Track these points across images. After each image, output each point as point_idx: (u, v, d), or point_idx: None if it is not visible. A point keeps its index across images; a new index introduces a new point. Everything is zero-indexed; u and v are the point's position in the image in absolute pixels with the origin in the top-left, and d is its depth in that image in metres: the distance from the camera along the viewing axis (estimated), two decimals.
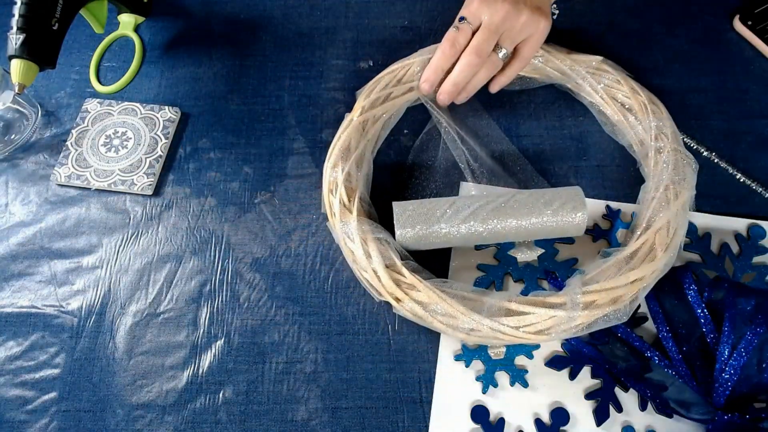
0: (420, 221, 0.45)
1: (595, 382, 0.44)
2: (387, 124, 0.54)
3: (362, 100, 0.52)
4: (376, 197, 0.52)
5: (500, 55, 0.48)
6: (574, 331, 0.41)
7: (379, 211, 0.51)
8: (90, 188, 0.54)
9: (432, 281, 0.44)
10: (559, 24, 0.62)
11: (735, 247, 0.49)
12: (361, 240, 0.44)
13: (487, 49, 0.47)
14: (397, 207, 0.46)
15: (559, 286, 0.46)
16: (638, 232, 0.45)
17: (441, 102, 0.51)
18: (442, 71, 0.49)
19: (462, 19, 0.47)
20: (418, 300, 0.42)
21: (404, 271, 0.43)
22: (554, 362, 0.45)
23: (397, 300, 0.43)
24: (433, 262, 0.49)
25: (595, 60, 0.53)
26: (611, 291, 0.41)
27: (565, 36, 0.60)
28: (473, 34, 0.47)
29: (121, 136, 0.56)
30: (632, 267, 0.42)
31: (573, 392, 0.44)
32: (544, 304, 0.41)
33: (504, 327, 0.41)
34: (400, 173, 0.54)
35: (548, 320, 0.41)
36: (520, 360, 0.45)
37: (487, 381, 0.44)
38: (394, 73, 0.53)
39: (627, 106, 0.52)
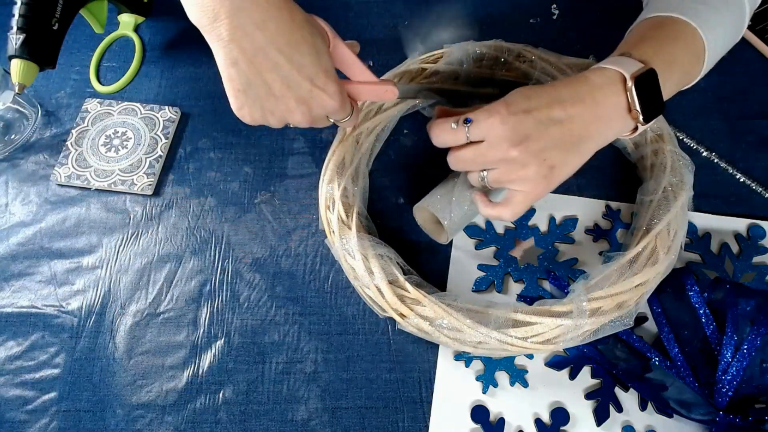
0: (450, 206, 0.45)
1: (595, 382, 0.44)
2: (380, 136, 0.53)
3: None
4: (376, 199, 0.52)
5: (480, 175, 0.40)
6: (581, 338, 0.41)
7: (377, 218, 0.51)
8: (90, 188, 0.54)
9: (436, 295, 0.43)
10: (559, 24, 0.62)
11: (735, 247, 0.49)
12: (362, 256, 0.43)
13: (469, 167, 0.41)
14: (430, 207, 0.45)
15: (559, 285, 0.46)
16: (639, 236, 0.45)
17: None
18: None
19: (468, 121, 0.38)
20: (423, 315, 0.42)
21: (408, 286, 0.43)
22: (554, 362, 0.45)
23: (402, 316, 0.42)
24: (434, 267, 0.49)
25: (587, 63, 0.53)
26: (616, 297, 0.41)
27: (564, 37, 0.60)
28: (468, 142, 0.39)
29: (121, 136, 0.56)
30: (635, 271, 0.42)
31: (573, 392, 0.44)
32: (550, 314, 0.41)
33: (512, 338, 0.40)
34: (400, 174, 0.54)
35: (555, 329, 0.40)
36: (520, 360, 0.45)
37: (487, 381, 0.44)
38: None
39: None
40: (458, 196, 0.45)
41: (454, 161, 0.41)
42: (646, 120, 0.39)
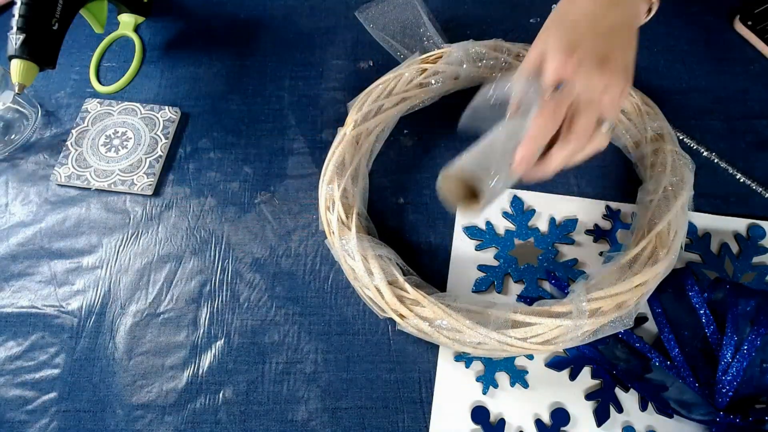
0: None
1: (595, 383, 0.44)
2: (380, 136, 0.53)
3: (354, 114, 0.50)
4: (376, 200, 0.52)
5: (605, 129, 0.41)
6: (581, 339, 0.41)
7: (377, 218, 0.51)
8: (90, 188, 0.54)
9: (436, 296, 0.43)
10: None
11: (735, 247, 0.49)
12: (361, 257, 0.43)
13: (593, 129, 0.40)
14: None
15: (560, 285, 0.46)
16: (639, 236, 0.44)
17: (528, 178, 0.43)
18: (541, 148, 0.40)
19: (558, 86, 0.40)
20: (422, 316, 0.42)
21: (407, 286, 0.42)
22: (554, 363, 0.45)
23: (402, 317, 0.42)
24: (434, 267, 0.49)
25: None
26: (616, 297, 0.41)
27: None
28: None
29: (121, 136, 0.56)
30: (635, 271, 0.42)
31: (573, 393, 0.44)
32: (549, 314, 0.41)
33: (511, 339, 0.40)
34: (400, 174, 0.54)
35: (555, 330, 0.40)
36: (521, 361, 0.45)
37: (488, 381, 0.44)
38: (385, 84, 0.52)
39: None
40: (501, 157, 0.40)
41: (584, 137, 0.40)
42: None
